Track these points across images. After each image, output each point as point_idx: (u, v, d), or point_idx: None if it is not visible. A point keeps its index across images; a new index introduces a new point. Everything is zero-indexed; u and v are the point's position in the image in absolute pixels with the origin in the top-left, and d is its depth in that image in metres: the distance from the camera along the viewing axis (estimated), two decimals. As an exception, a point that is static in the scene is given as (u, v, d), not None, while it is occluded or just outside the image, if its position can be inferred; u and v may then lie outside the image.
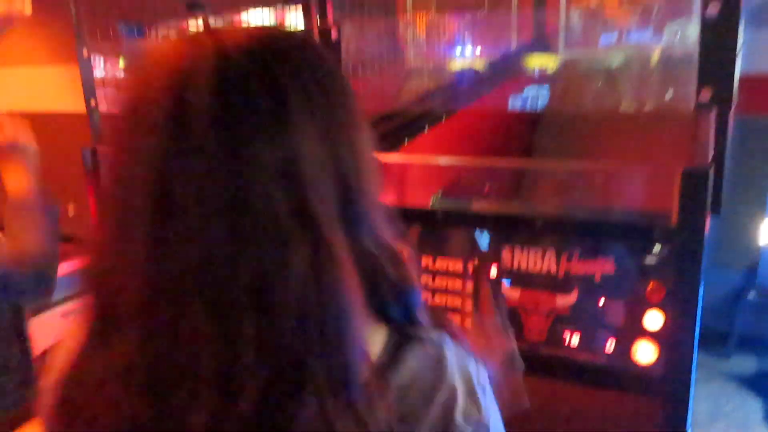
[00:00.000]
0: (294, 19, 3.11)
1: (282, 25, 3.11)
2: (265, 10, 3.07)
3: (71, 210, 4.16)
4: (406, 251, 0.57)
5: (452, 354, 0.54)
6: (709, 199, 1.03)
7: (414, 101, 2.21)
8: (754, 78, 2.84)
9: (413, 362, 0.52)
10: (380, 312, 0.54)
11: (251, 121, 0.48)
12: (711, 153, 1.03)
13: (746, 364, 3.04)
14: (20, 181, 1.21)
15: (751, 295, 3.03)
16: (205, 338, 0.47)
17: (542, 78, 3.00)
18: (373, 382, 0.50)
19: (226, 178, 0.47)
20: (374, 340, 0.53)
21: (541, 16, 3.01)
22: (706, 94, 1.02)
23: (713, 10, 0.99)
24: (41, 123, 1.40)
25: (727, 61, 1.00)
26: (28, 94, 4.24)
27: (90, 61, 1.71)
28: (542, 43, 3.06)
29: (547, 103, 2.74)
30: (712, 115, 1.02)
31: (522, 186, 1.36)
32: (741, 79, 2.94)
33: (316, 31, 1.34)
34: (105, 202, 0.55)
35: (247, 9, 3.15)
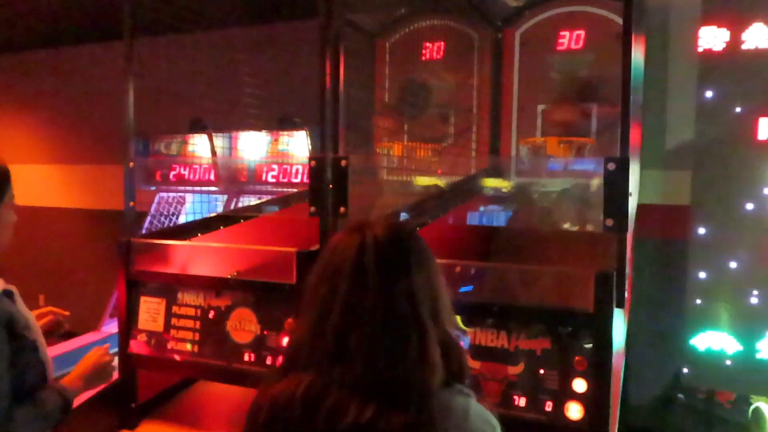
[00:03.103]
0: (287, 142, 3.60)
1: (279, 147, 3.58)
2: (262, 132, 3.55)
3: (41, 300, 4.35)
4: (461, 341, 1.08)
5: (476, 406, 1.01)
6: (615, 295, 1.45)
7: (391, 213, 2.64)
8: (672, 208, 3.42)
9: (453, 399, 0.99)
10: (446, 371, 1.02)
11: (392, 272, 1.00)
12: (614, 262, 1.46)
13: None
14: None
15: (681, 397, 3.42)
16: (360, 377, 0.94)
17: (497, 198, 3.52)
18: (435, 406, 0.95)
19: (380, 299, 0.98)
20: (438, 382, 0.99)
21: (495, 149, 3.58)
22: (610, 222, 1.46)
23: (612, 166, 1.47)
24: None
25: (622, 201, 1.45)
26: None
27: (134, 169, 2.08)
28: (497, 170, 3.61)
29: (508, 220, 3.22)
30: (614, 237, 1.46)
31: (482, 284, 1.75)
32: (659, 209, 3.45)
33: (330, 158, 1.76)
34: (307, 309, 1.03)
35: (245, 129, 3.63)
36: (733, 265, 2.93)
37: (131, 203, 2.09)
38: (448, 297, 1.06)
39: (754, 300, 2.88)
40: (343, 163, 1.76)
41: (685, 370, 3.13)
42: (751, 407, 2.77)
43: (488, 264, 1.62)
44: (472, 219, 3.55)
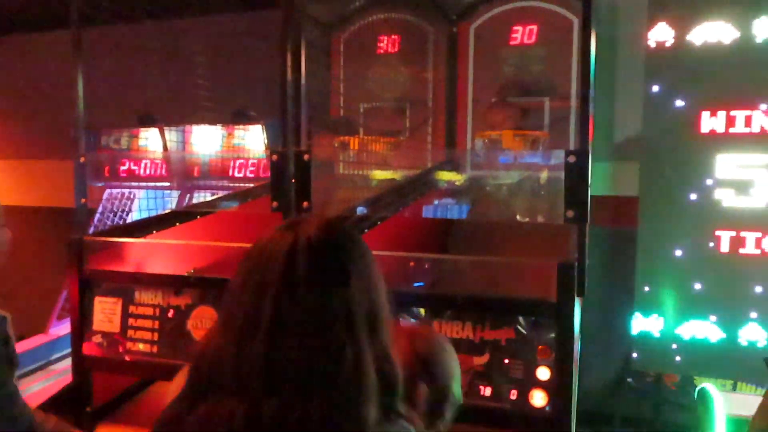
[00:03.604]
0: (242, 136, 3.53)
1: (234, 144, 3.50)
2: (216, 126, 3.47)
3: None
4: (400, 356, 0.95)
5: None
6: (576, 284, 1.49)
7: (349, 208, 2.63)
8: (620, 199, 3.55)
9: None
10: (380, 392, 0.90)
11: (326, 281, 0.88)
12: (575, 253, 1.50)
13: (628, 440, 3.50)
14: None
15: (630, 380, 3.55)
16: (293, 406, 0.83)
17: (451, 192, 3.55)
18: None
19: (311, 306, 0.86)
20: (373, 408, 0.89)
21: (451, 143, 3.61)
22: (570, 214, 1.50)
23: (572, 159, 1.50)
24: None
25: (582, 193, 1.49)
26: None
27: (85, 165, 2.00)
28: (452, 163, 3.64)
29: (468, 213, 3.26)
30: (574, 228, 1.50)
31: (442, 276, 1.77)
32: (609, 200, 3.55)
33: (293, 152, 1.74)
34: (229, 319, 0.90)
35: (198, 123, 3.54)
36: (678, 253, 3.05)
37: (83, 200, 2.01)
38: (388, 307, 0.95)
39: (698, 286, 3.02)
40: (306, 157, 1.74)
41: (634, 355, 3.25)
42: (696, 389, 2.90)
43: (452, 257, 1.63)
44: (427, 212, 3.58)
